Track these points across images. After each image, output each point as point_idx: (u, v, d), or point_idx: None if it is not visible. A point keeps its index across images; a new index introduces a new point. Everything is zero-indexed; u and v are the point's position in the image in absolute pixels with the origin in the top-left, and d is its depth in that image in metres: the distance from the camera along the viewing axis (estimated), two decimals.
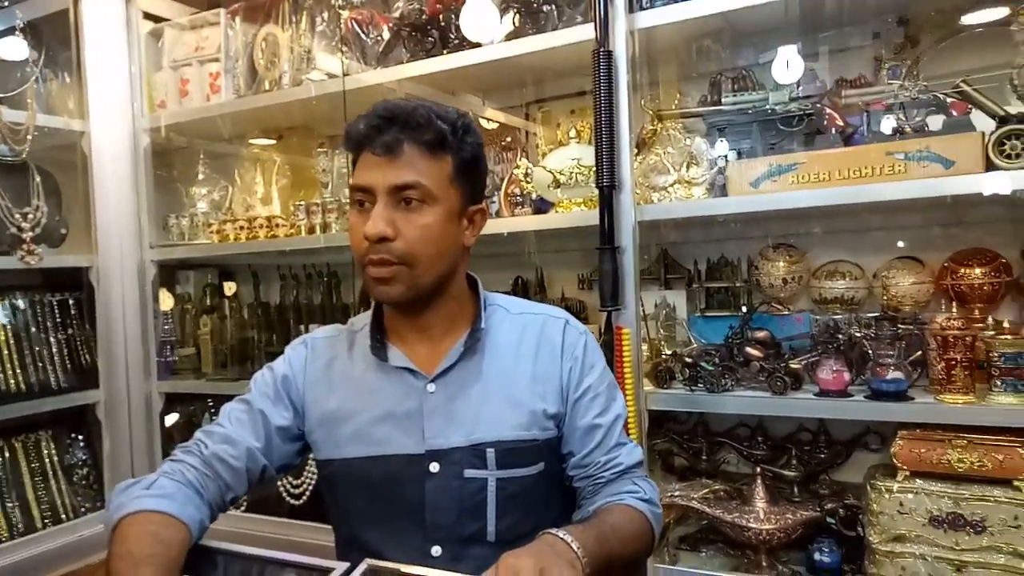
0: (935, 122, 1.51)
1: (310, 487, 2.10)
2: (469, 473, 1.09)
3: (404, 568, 0.99)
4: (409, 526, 1.10)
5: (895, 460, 1.45)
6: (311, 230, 2.11)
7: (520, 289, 2.08)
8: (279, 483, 2.13)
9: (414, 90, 1.97)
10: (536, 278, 2.06)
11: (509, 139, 1.92)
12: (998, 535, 1.35)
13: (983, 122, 1.42)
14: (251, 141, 2.26)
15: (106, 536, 1.02)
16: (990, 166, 1.36)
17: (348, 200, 2.08)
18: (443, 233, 1.07)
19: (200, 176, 2.42)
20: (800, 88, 1.58)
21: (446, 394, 1.12)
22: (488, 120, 2.10)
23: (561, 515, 1.19)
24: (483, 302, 1.17)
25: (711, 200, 1.60)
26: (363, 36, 2.01)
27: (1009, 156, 1.34)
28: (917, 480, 1.44)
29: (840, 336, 1.59)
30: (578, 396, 1.14)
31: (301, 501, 2.11)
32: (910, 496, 1.43)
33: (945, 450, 1.40)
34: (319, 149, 2.20)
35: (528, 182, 1.80)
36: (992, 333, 1.43)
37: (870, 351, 1.54)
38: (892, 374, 1.48)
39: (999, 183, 1.34)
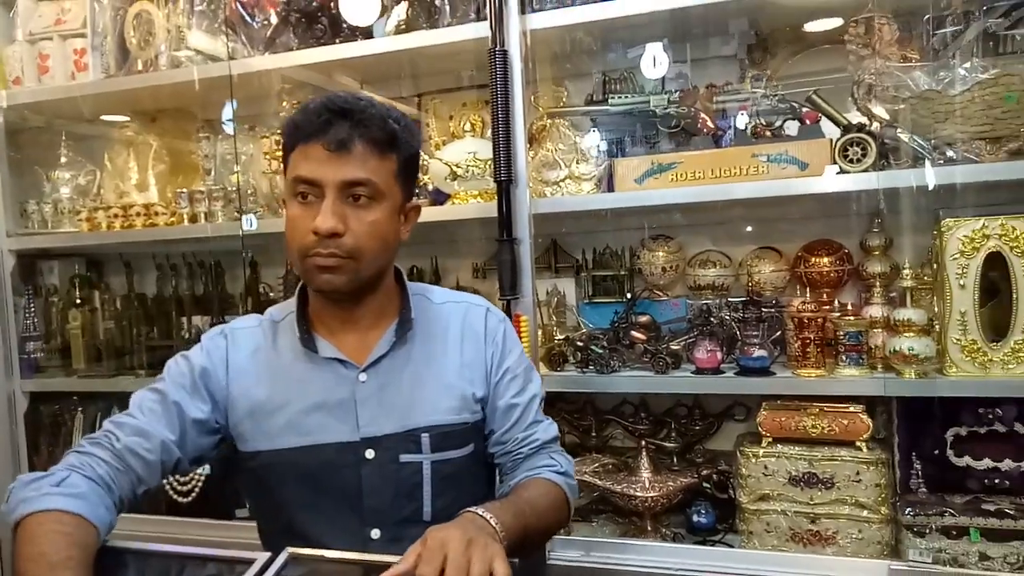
0: (792, 127, 1.70)
1: (199, 485, 2.04)
2: (404, 458, 1.13)
3: (326, 553, 1.02)
4: (347, 512, 1.13)
5: (760, 428, 1.63)
6: (194, 218, 2.03)
7: (415, 278, 2.11)
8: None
9: (300, 76, 1.95)
10: (431, 267, 2.10)
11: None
12: (844, 489, 1.56)
13: (832, 129, 1.62)
14: (124, 123, 2.13)
15: (3, 532, 0.96)
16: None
17: (234, 188, 2.05)
18: (387, 229, 1.10)
19: (63, 159, 2.25)
20: (677, 93, 1.72)
21: (377, 383, 1.15)
22: None
23: (488, 492, 1.25)
24: (408, 292, 1.20)
25: (600, 195, 1.71)
26: (248, 20, 1.95)
27: (851, 160, 1.54)
28: (778, 445, 1.63)
29: (712, 319, 1.76)
30: (499, 378, 1.20)
31: (189, 499, 2.04)
32: (772, 460, 1.62)
33: (801, 418, 1.60)
34: (201, 134, 2.12)
35: (424, 173, 1.83)
36: (838, 315, 1.65)
37: (738, 332, 1.72)
38: (757, 352, 1.66)
39: (843, 183, 1.54)
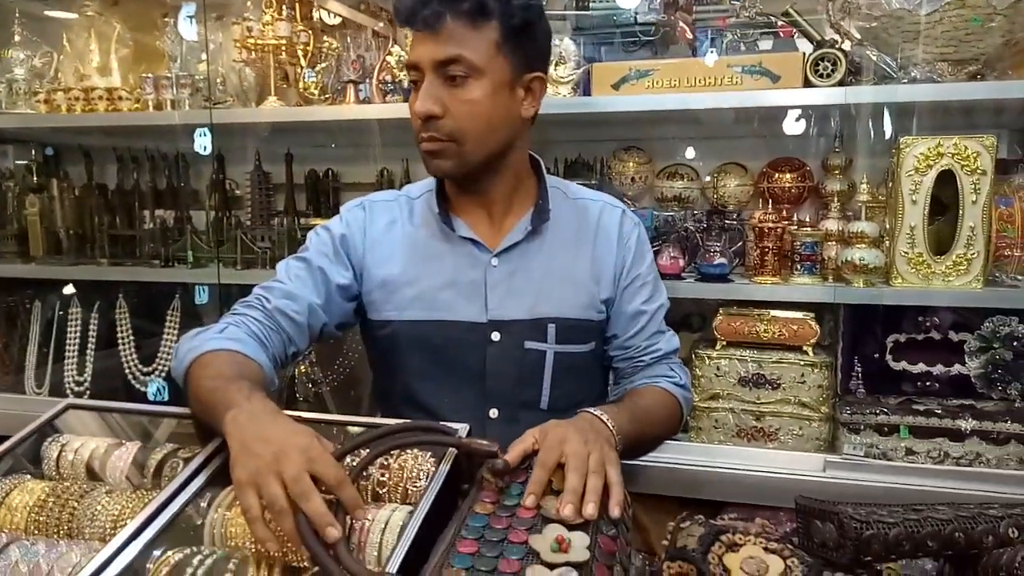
0: (766, 44, 1.74)
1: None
2: (529, 344, 1.17)
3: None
4: (469, 389, 1.17)
5: (716, 333, 1.72)
6: (159, 106, 1.98)
7: (386, 182, 2.11)
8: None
9: None
10: (402, 170, 2.10)
11: (380, 24, 1.91)
12: (789, 390, 1.66)
13: (806, 46, 1.66)
14: (84, 2, 2.03)
15: (178, 382, 1.01)
16: (808, 83, 1.60)
17: (202, 77, 1.99)
18: (493, 107, 1.07)
19: (16, 38, 2.15)
20: (658, 1, 1.73)
21: (508, 269, 1.17)
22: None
23: (603, 391, 1.29)
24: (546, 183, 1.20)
25: (578, 98, 1.73)
26: None
27: (822, 75, 1.59)
28: (731, 348, 1.72)
29: (677, 229, 1.82)
30: (628, 283, 1.22)
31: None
32: (725, 362, 1.71)
33: (755, 323, 1.69)
34: (165, 19, 2.04)
35: (400, 70, 1.82)
36: (796, 227, 1.72)
37: (701, 242, 1.79)
38: (718, 260, 1.73)
39: (814, 96, 1.58)
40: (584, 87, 1.75)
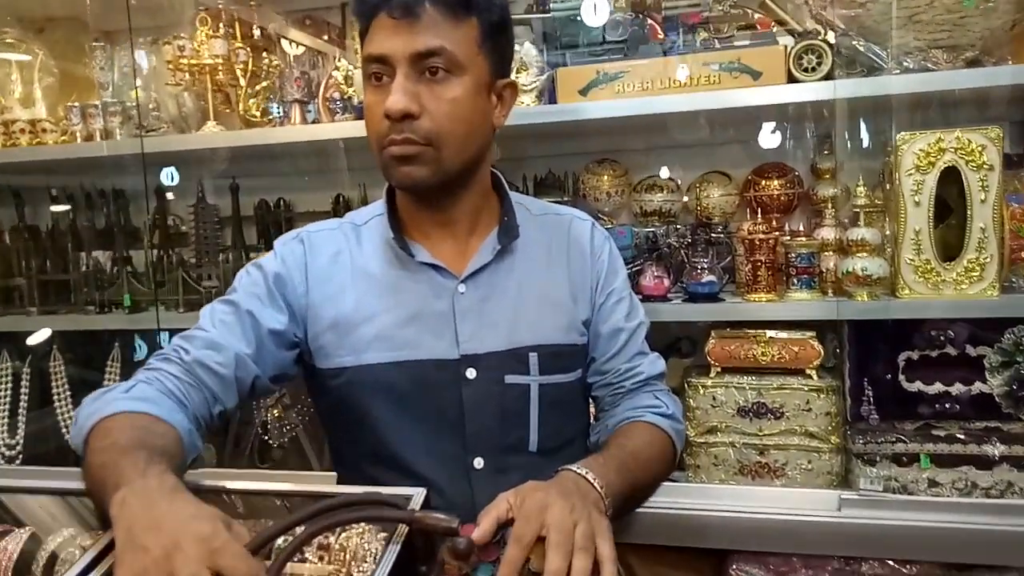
0: (743, 40, 1.59)
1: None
2: (510, 379, 1.02)
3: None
4: (446, 438, 1.01)
5: (709, 358, 1.55)
6: (88, 137, 1.81)
7: (342, 209, 1.94)
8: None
9: None
10: (360, 196, 1.93)
11: (325, 37, 1.76)
12: (793, 419, 1.50)
13: (787, 40, 1.52)
14: (3, 30, 1.87)
15: (77, 452, 0.85)
16: (792, 79, 1.46)
17: (134, 104, 1.83)
18: (472, 109, 0.96)
19: None
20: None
21: (478, 295, 1.02)
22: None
23: (588, 426, 1.16)
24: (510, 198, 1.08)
25: (542, 107, 1.57)
26: None
27: (807, 69, 1.45)
28: (727, 375, 1.55)
29: (659, 246, 1.66)
30: (603, 300, 1.09)
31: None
32: (721, 390, 1.54)
33: (751, 346, 1.52)
34: (95, 43, 1.88)
35: (349, 86, 1.66)
36: (789, 237, 1.57)
37: (686, 258, 1.63)
38: (706, 277, 1.57)
39: (800, 93, 1.44)
40: (549, 95, 1.60)
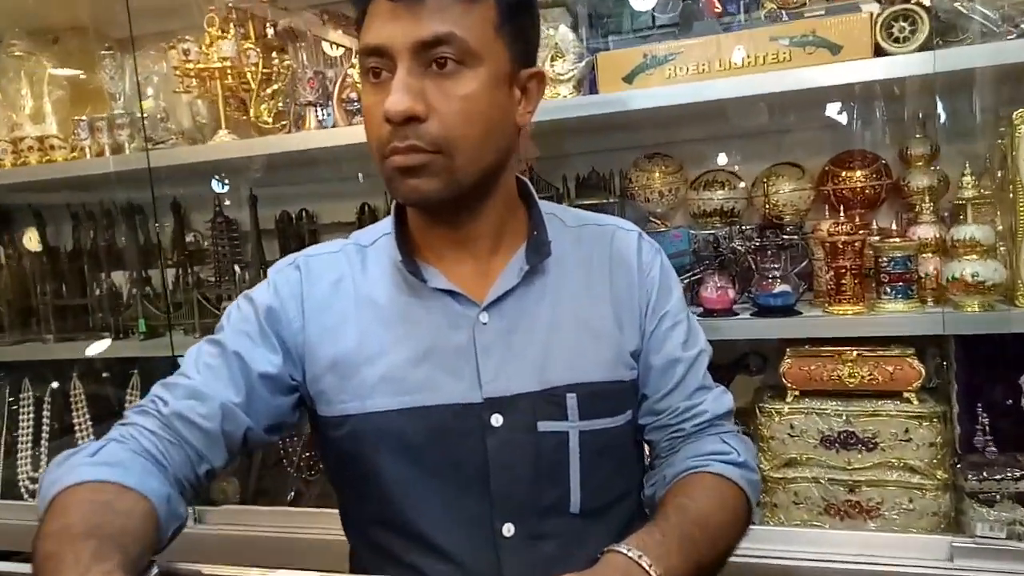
0: (818, 9, 1.36)
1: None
2: (544, 426, 0.86)
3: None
4: (468, 499, 0.85)
5: (784, 380, 1.34)
6: (100, 152, 1.69)
7: (368, 219, 1.79)
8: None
9: None
10: (386, 205, 1.77)
11: (339, 32, 1.60)
12: (889, 450, 1.27)
13: (871, 7, 1.29)
14: (12, 42, 1.77)
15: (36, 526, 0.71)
16: (879, 51, 1.23)
17: (146, 116, 1.71)
18: (490, 106, 0.80)
19: None
20: None
21: (503, 326, 0.86)
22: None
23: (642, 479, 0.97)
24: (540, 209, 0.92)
25: (580, 98, 1.38)
26: None
27: (897, 40, 1.22)
28: (806, 400, 1.33)
29: (722, 251, 1.45)
30: (655, 326, 0.92)
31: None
32: (800, 417, 1.33)
33: (835, 366, 1.30)
34: (105, 51, 1.76)
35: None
36: (879, 238, 1.34)
37: (754, 265, 1.41)
38: (779, 287, 1.35)
39: (889, 68, 1.21)
40: (590, 84, 1.40)
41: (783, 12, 1.35)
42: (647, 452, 1.00)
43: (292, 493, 1.66)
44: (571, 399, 0.86)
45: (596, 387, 0.88)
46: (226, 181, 1.81)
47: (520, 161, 1.45)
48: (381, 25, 0.78)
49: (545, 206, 0.95)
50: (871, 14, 1.23)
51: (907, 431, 1.26)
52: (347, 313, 0.90)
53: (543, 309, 0.89)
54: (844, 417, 1.30)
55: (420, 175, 0.79)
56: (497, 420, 0.85)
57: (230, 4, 1.61)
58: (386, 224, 0.94)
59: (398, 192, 0.82)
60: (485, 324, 0.87)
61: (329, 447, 0.92)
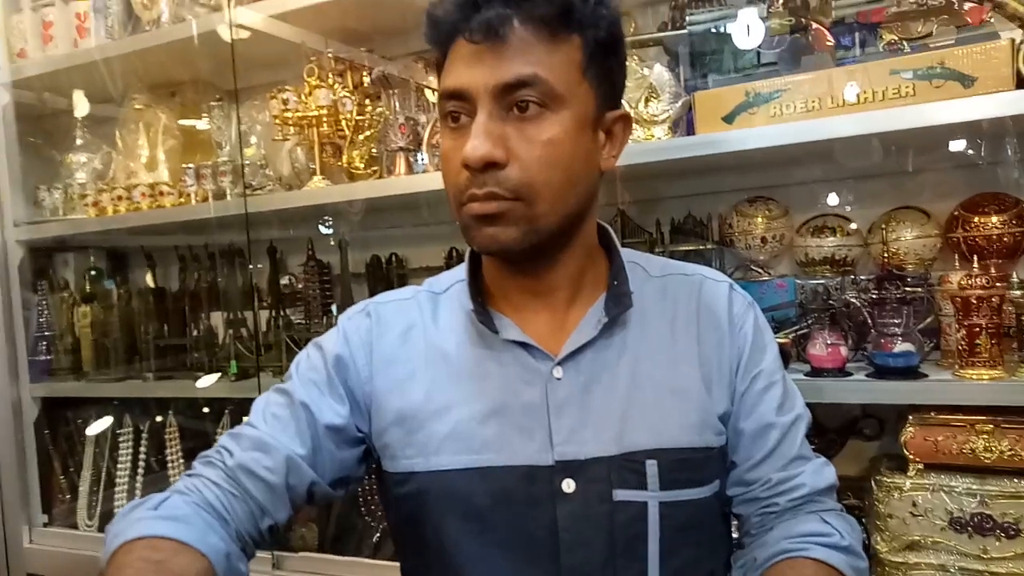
0: (947, 38, 1.24)
1: None
2: (621, 495, 0.79)
3: None
4: (535, 570, 0.79)
5: (906, 451, 1.18)
6: (204, 198, 1.76)
7: (456, 263, 1.76)
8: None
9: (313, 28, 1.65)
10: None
11: (432, 77, 1.60)
12: None
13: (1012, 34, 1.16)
14: (134, 97, 1.89)
15: None
16: (1021, 83, 1.09)
17: (247, 163, 1.77)
18: (574, 152, 0.77)
19: (78, 141, 2.04)
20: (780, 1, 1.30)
21: (579, 383, 0.81)
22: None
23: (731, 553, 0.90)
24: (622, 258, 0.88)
25: (676, 140, 1.30)
26: None
27: None
28: (932, 475, 1.17)
29: (833, 303, 1.32)
30: (747, 386, 0.85)
31: None
32: (926, 495, 1.16)
33: (968, 437, 1.14)
34: (214, 102, 1.85)
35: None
36: (1021, 292, 1.17)
37: (871, 320, 1.27)
38: (900, 346, 1.21)
39: None
40: (688, 125, 1.33)
41: (905, 43, 1.24)
42: (736, 529, 0.90)
43: (375, 541, 1.62)
44: (651, 466, 0.79)
45: (680, 453, 0.80)
46: (328, 223, 1.85)
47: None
48: (462, 67, 0.76)
49: (628, 254, 0.90)
50: (1012, 41, 1.10)
51: None
52: (416, 364, 0.86)
53: (623, 365, 0.83)
54: (979, 497, 1.13)
55: (498, 223, 0.76)
56: (569, 486, 0.79)
57: (330, 55, 1.65)
58: (460, 271, 0.90)
59: (475, 241, 0.79)
60: (559, 380, 0.81)
61: (392, 505, 0.88)
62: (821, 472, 0.84)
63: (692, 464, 0.81)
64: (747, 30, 1.27)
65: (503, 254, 0.81)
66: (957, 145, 1.33)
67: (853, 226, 1.42)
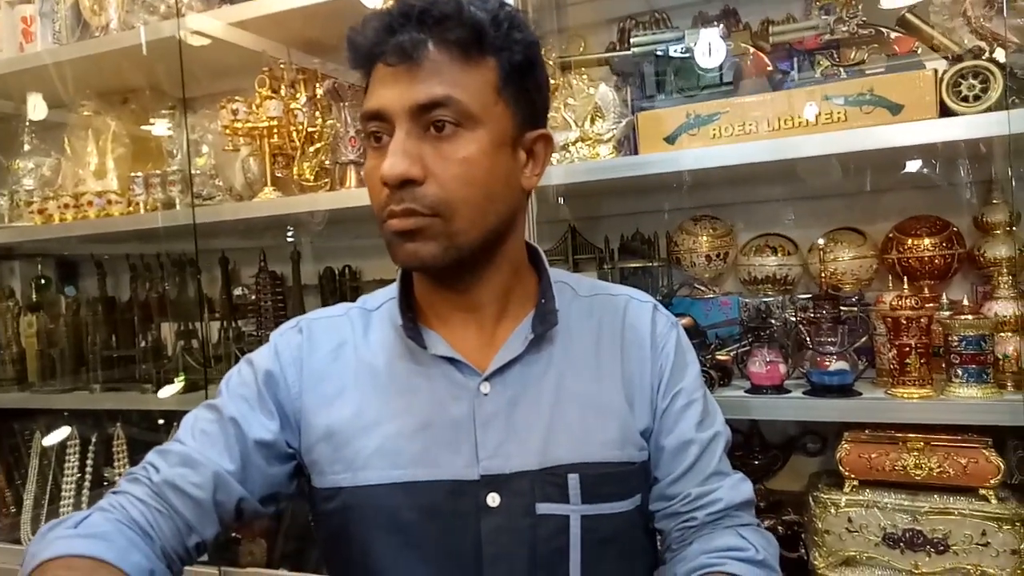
0: (877, 67, 1.28)
1: None
2: (544, 508, 0.80)
3: None
4: None
5: (841, 468, 1.21)
6: (154, 207, 1.74)
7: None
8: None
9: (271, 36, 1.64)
10: None
11: None
12: (963, 555, 1.12)
13: (936, 64, 1.19)
14: (82, 102, 1.86)
15: None
16: (945, 111, 1.13)
17: (198, 172, 1.75)
18: (491, 170, 0.78)
19: (26, 147, 2.00)
20: (719, 26, 1.32)
21: (506, 398, 0.82)
22: None
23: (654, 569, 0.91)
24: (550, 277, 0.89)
25: (620, 159, 1.32)
26: None
27: (967, 99, 1.11)
28: (867, 491, 1.20)
29: (773, 321, 1.35)
30: (668, 403, 0.86)
31: None
32: (860, 511, 1.19)
33: (900, 454, 1.17)
34: (166, 110, 1.83)
35: None
36: (949, 313, 1.21)
37: (808, 338, 1.30)
38: (836, 364, 1.24)
39: (956, 130, 1.10)
40: (632, 144, 1.34)
41: (841, 70, 1.27)
42: (660, 544, 0.92)
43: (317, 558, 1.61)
44: (573, 480, 0.80)
45: (602, 468, 0.82)
46: (290, 232, 1.84)
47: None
48: (381, 89, 0.77)
49: (557, 274, 0.91)
50: (935, 71, 1.14)
51: (984, 534, 1.11)
52: (346, 381, 0.87)
53: (548, 381, 0.84)
54: (911, 514, 1.16)
55: (417, 239, 0.77)
56: (494, 500, 0.80)
57: (282, 64, 1.64)
58: (393, 288, 0.91)
59: (397, 257, 0.80)
60: (486, 395, 0.82)
61: (320, 522, 0.87)
62: (738, 487, 0.86)
63: (614, 478, 0.83)
64: (692, 52, 1.29)
65: (425, 270, 0.82)
66: (892, 169, 1.37)
67: (794, 246, 1.45)
